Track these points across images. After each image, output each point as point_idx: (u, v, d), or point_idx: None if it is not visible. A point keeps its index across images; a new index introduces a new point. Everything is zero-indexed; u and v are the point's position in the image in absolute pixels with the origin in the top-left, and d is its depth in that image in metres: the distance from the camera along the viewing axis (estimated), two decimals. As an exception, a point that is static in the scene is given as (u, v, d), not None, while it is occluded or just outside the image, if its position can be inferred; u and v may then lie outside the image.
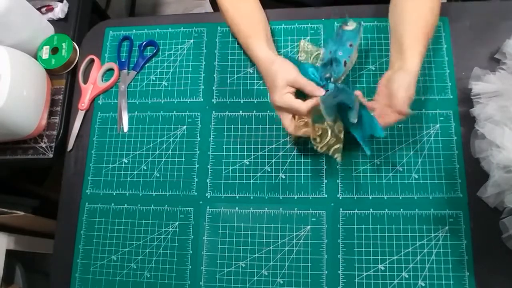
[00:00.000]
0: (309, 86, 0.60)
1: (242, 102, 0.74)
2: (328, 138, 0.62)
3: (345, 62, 0.62)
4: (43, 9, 0.85)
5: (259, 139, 0.71)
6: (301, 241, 0.66)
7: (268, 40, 0.68)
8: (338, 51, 0.63)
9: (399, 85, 0.57)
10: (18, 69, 0.70)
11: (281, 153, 0.70)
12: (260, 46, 0.66)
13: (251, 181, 0.69)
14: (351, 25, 0.64)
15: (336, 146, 0.63)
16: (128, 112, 0.76)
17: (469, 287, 0.61)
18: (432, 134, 0.68)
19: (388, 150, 0.68)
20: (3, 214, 0.88)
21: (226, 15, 0.71)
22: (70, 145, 0.75)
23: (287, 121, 0.62)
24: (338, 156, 0.63)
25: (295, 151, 0.70)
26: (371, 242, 0.64)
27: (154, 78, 0.77)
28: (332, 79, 0.62)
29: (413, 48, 0.60)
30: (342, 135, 0.62)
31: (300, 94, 0.62)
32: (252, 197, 0.69)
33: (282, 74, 0.61)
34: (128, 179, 0.72)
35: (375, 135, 0.59)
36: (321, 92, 0.60)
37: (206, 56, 0.77)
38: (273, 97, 0.61)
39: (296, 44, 0.76)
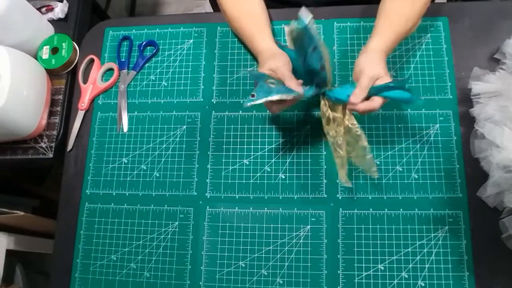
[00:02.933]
0: (288, 80, 0.59)
1: (242, 102, 0.74)
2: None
3: (322, 67, 0.59)
4: (43, 9, 0.85)
5: (259, 139, 0.71)
6: (301, 241, 0.66)
7: (271, 36, 0.68)
8: (308, 64, 0.59)
9: (359, 68, 0.59)
10: (18, 69, 0.70)
11: (280, 153, 0.70)
12: (263, 39, 0.66)
13: (251, 181, 0.69)
14: (294, 31, 0.58)
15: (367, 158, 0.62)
16: (128, 112, 0.76)
17: (468, 287, 0.61)
18: (432, 134, 0.68)
19: (388, 150, 0.68)
20: (3, 214, 0.88)
21: (228, 16, 0.71)
22: (70, 145, 0.75)
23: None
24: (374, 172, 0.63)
25: (295, 151, 0.70)
26: (370, 242, 0.64)
27: (153, 78, 0.77)
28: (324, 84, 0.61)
29: (380, 34, 0.61)
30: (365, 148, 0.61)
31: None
32: (252, 197, 0.69)
33: (270, 61, 0.61)
34: (128, 179, 0.72)
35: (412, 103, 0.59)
36: (297, 89, 0.58)
37: (206, 56, 0.77)
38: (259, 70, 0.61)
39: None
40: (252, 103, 0.57)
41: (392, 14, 0.63)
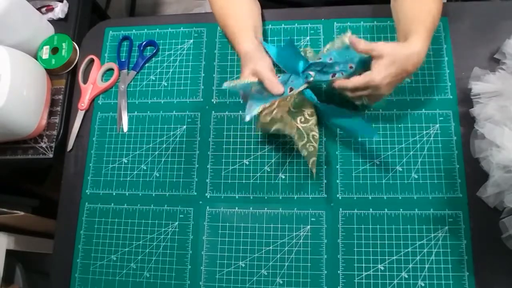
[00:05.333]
0: (268, 81, 0.58)
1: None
2: (305, 141, 0.62)
3: (333, 75, 0.60)
4: (43, 9, 0.85)
5: (259, 139, 0.71)
6: (301, 241, 0.66)
7: (255, 36, 0.67)
8: (337, 65, 0.60)
9: (396, 44, 0.57)
10: (18, 69, 0.70)
11: (280, 153, 0.70)
12: (243, 40, 0.65)
13: (251, 181, 0.69)
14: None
15: (313, 158, 0.62)
16: (127, 112, 0.76)
17: (468, 287, 0.61)
18: (432, 134, 0.68)
19: (388, 150, 0.68)
20: (3, 214, 0.88)
21: (216, 16, 0.72)
22: (70, 145, 0.75)
23: None
24: (313, 168, 0.62)
25: (295, 151, 0.70)
26: (370, 242, 0.64)
27: (153, 78, 0.77)
28: (309, 80, 0.61)
29: (418, 33, 0.59)
30: (317, 145, 0.62)
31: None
32: (251, 197, 0.69)
33: (249, 65, 0.60)
34: (128, 179, 0.72)
35: (367, 137, 0.59)
36: (279, 90, 0.58)
37: (206, 56, 0.77)
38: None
39: (295, 43, 0.76)
40: (252, 113, 0.58)
41: (421, 14, 0.61)
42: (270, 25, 0.77)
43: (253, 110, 0.58)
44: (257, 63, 0.60)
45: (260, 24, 0.72)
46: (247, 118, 0.58)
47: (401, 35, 0.62)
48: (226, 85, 0.60)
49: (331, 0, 0.79)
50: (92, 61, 0.80)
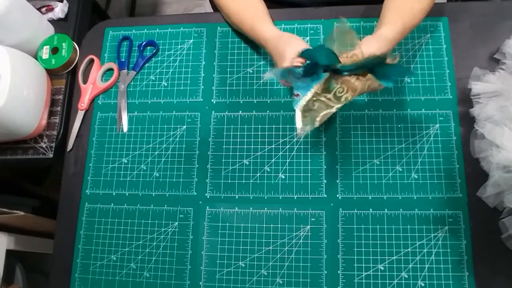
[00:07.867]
0: None
1: (241, 102, 0.74)
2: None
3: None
4: (43, 9, 0.85)
5: (259, 139, 0.71)
6: (301, 241, 0.66)
7: (272, 23, 0.68)
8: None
9: (361, 43, 0.57)
10: (18, 69, 0.70)
11: (280, 153, 0.70)
12: (266, 27, 0.66)
13: (251, 181, 0.69)
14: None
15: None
16: (127, 112, 0.76)
17: (468, 287, 0.61)
18: (432, 134, 0.68)
19: (387, 150, 0.68)
20: (3, 214, 0.88)
21: (226, 12, 0.72)
22: (70, 145, 0.75)
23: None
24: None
25: (294, 151, 0.70)
26: (370, 242, 0.64)
27: (153, 78, 0.77)
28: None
29: (389, 23, 0.61)
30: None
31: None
32: (251, 197, 0.69)
33: (291, 47, 0.60)
34: (128, 179, 0.72)
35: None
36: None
37: (205, 56, 0.77)
38: (283, 64, 0.60)
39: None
40: (302, 102, 0.56)
41: (401, 7, 0.63)
42: (270, 25, 0.77)
43: (303, 98, 0.56)
44: (298, 44, 0.60)
45: (268, 13, 0.72)
46: (298, 106, 0.57)
47: (379, 24, 0.64)
48: (267, 76, 0.60)
49: (331, 0, 0.79)
50: (92, 61, 0.80)
